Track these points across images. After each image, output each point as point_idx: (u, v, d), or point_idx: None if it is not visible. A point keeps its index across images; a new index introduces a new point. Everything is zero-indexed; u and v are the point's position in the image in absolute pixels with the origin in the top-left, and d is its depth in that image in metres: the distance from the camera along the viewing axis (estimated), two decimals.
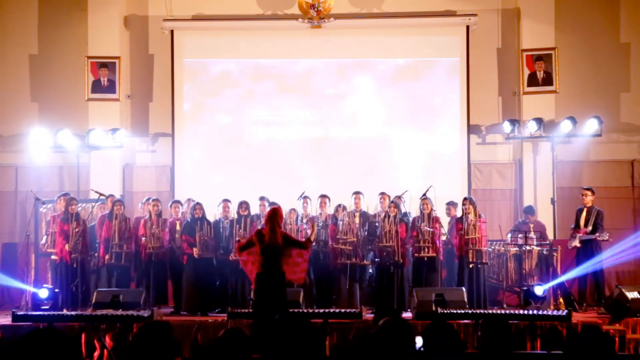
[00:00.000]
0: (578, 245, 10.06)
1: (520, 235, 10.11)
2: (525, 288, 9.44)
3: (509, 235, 10.34)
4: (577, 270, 9.88)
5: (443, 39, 12.23)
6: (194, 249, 9.63)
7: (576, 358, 3.65)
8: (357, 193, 10.14)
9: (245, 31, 12.36)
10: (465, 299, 8.93)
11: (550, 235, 11.15)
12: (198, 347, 8.30)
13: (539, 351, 7.73)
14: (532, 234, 10.03)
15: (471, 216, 9.54)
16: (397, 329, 3.71)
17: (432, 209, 9.72)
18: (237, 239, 8.41)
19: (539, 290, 9.28)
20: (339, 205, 9.90)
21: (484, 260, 9.56)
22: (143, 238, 9.78)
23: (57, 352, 3.25)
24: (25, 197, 11.66)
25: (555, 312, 8.22)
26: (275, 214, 7.87)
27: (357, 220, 9.92)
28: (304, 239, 8.52)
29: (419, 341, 3.97)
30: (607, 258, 10.09)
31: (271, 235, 7.70)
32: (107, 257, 9.69)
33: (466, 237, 9.50)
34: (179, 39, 12.25)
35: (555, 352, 4.72)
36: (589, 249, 9.98)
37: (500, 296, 10.47)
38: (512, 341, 4.19)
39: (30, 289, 9.83)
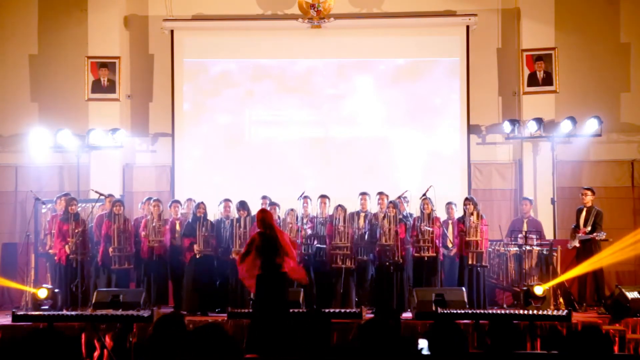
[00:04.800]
0: (577, 245, 10.08)
1: (520, 235, 10.12)
2: (525, 288, 9.42)
3: (505, 238, 10.41)
4: (577, 270, 9.88)
5: (443, 39, 12.22)
6: (195, 245, 9.63)
7: (575, 358, 3.65)
8: (363, 194, 10.10)
9: (245, 31, 12.36)
10: (466, 299, 8.94)
11: (550, 235, 11.15)
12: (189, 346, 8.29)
13: (539, 351, 7.73)
14: (524, 233, 10.07)
15: (473, 218, 9.54)
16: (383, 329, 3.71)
17: (432, 209, 9.72)
18: (235, 249, 8.36)
19: (538, 290, 9.26)
20: (339, 206, 9.87)
21: (483, 264, 9.56)
22: (143, 233, 9.79)
23: (57, 352, 3.25)
24: (25, 197, 11.66)
25: (555, 312, 8.22)
26: (268, 215, 7.89)
27: (361, 221, 9.91)
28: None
29: (422, 343, 3.97)
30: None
31: (273, 235, 7.72)
32: (109, 250, 9.70)
33: (467, 238, 9.50)
34: (179, 39, 12.25)
35: (555, 352, 4.72)
36: (588, 248, 10.00)
37: (500, 296, 10.47)
38: (517, 341, 4.22)
39: (29, 289, 9.82)
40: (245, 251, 7.89)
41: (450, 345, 3.83)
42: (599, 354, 3.64)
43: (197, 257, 9.68)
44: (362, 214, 9.99)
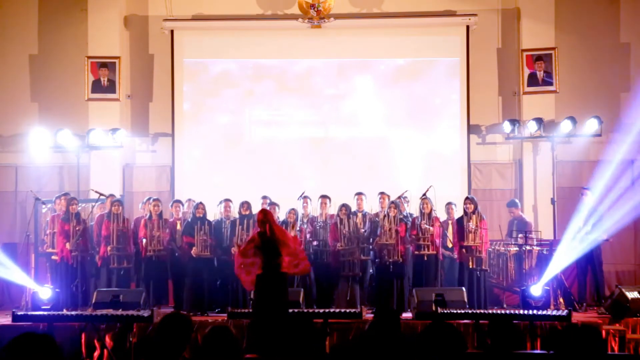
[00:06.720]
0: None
1: (520, 235, 10.12)
2: (523, 288, 9.42)
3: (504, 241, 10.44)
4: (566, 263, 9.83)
5: (443, 39, 12.23)
6: (193, 249, 9.64)
7: (573, 358, 3.65)
8: (359, 194, 10.12)
9: (245, 31, 12.36)
10: (466, 299, 8.93)
11: (550, 235, 11.15)
12: (197, 348, 8.29)
13: (539, 351, 7.72)
14: (515, 233, 10.09)
15: (473, 221, 9.53)
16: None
17: (432, 209, 9.72)
18: (237, 241, 8.38)
19: (535, 290, 9.24)
20: (342, 206, 9.81)
21: (484, 267, 9.55)
22: (144, 240, 9.78)
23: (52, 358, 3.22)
24: (25, 197, 11.67)
25: (555, 312, 8.22)
26: (268, 214, 7.90)
27: (359, 220, 9.90)
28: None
29: None
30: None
31: (272, 234, 7.73)
32: (107, 249, 9.70)
33: (466, 243, 9.50)
34: (179, 39, 12.25)
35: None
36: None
37: (501, 296, 10.47)
38: (517, 341, 4.22)
39: (32, 285, 9.80)
40: (245, 247, 7.93)
41: (447, 347, 3.83)
42: (593, 350, 3.64)
43: (194, 256, 9.68)
44: (359, 214, 9.99)
